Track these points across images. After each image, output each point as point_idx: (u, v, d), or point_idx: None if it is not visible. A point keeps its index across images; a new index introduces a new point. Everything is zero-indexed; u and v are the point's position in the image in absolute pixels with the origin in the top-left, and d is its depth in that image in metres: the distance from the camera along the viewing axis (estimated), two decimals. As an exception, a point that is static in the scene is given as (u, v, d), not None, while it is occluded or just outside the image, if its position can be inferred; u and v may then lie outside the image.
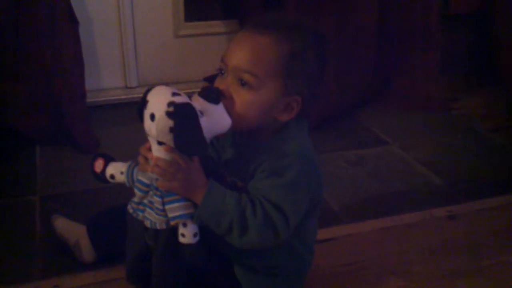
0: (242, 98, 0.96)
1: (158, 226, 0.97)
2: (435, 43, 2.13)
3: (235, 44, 0.98)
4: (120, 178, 1.02)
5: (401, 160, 1.81)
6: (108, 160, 1.05)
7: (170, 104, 0.87)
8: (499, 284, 1.27)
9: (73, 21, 1.72)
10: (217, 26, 2.20)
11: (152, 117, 0.88)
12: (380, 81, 2.17)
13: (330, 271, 1.28)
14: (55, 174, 1.63)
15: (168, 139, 0.89)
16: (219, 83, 0.99)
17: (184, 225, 0.96)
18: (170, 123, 0.87)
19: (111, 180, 1.04)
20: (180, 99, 0.89)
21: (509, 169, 1.77)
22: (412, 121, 2.09)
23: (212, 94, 0.93)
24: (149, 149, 0.95)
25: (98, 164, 1.04)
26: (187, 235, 0.96)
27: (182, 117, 0.87)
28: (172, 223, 0.96)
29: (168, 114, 0.87)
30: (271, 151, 0.98)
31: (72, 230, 1.27)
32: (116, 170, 1.02)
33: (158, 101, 0.89)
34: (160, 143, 0.90)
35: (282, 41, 0.95)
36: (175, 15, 2.12)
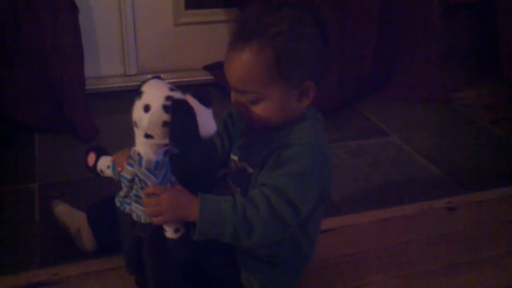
0: (256, 110, 0.98)
1: (143, 220, 0.97)
2: (436, 33, 2.12)
3: (225, 64, 0.98)
4: (108, 172, 1.03)
5: (401, 151, 1.81)
6: (100, 153, 1.05)
7: (168, 98, 0.87)
8: (498, 276, 1.27)
9: (73, 9, 1.71)
10: (217, 14, 2.19)
11: (147, 108, 0.88)
12: (380, 72, 2.16)
13: (330, 261, 1.28)
14: (54, 162, 1.63)
15: (158, 133, 0.88)
16: (235, 97, 1.01)
17: None
18: (165, 116, 0.87)
19: (101, 174, 1.06)
20: (178, 95, 0.89)
21: (509, 161, 1.77)
22: (412, 112, 2.09)
23: (205, 97, 0.92)
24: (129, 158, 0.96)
25: (90, 158, 1.07)
26: (168, 230, 0.96)
27: (180, 112, 0.87)
28: None
29: (165, 107, 0.86)
30: (285, 140, 0.99)
31: (73, 218, 1.27)
32: (104, 165, 1.04)
33: (155, 94, 0.88)
34: (147, 136, 0.90)
35: (264, 48, 0.94)
36: (175, 2, 2.11)
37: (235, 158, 1.09)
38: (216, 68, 2.13)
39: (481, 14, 2.31)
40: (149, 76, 0.95)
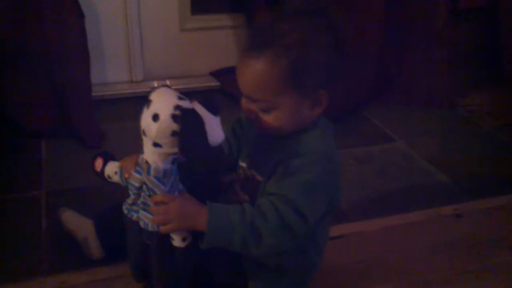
0: (267, 118, 0.98)
1: (150, 228, 0.97)
2: (443, 39, 2.11)
3: (238, 72, 0.98)
4: (115, 178, 1.03)
5: (407, 158, 1.80)
6: (107, 159, 1.06)
7: (176, 107, 0.87)
8: (506, 283, 1.26)
9: (79, 15, 1.71)
10: (224, 19, 2.19)
11: (155, 117, 0.88)
12: (384, 76, 2.16)
13: (337, 269, 1.27)
14: (61, 169, 1.63)
15: (167, 142, 0.89)
16: (246, 104, 1.00)
17: None
18: (174, 126, 0.87)
19: (109, 180, 1.06)
20: (186, 104, 0.89)
21: (516, 167, 1.76)
22: (418, 118, 2.08)
23: (213, 105, 0.92)
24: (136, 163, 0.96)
25: (98, 163, 1.07)
26: (176, 239, 0.96)
27: (189, 122, 0.87)
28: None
29: (174, 117, 0.87)
30: (295, 149, 0.98)
31: (80, 226, 1.26)
32: (112, 171, 1.04)
33: (164, 103, 0.88)
34: (156, 145, 0.90)
35: (278, 58, 0.93)
36: (181, 8, 2.11)
37: (244, 165, 1.09)
38: (222, 74, 2.13)
39: (488, 19, 2.30)
40: (157, 84, 0.95)
